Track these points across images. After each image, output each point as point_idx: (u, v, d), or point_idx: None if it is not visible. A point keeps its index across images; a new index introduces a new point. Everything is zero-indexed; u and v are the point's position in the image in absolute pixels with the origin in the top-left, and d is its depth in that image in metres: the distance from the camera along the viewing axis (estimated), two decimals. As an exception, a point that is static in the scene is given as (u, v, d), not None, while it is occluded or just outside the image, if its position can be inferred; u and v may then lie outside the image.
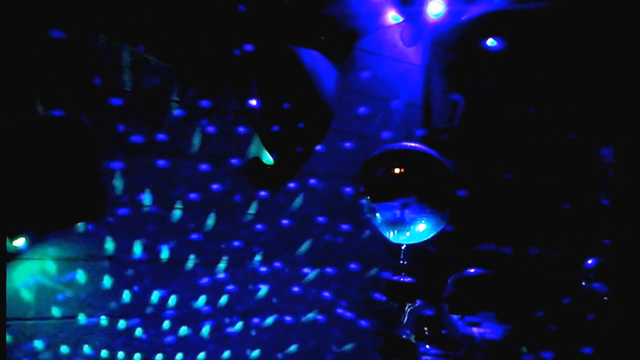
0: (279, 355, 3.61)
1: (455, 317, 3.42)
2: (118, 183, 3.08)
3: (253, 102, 3.35)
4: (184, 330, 3.29)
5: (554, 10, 3.70)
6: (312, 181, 3.71)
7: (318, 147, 3.60)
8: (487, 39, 4.03)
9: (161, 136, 3.20)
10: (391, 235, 3.11)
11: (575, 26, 3.74)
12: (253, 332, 3.51)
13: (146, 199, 3.17)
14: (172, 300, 3.25)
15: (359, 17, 3.71)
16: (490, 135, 4.08)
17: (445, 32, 4.07)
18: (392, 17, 3.87)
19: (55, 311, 2.95)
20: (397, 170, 3.02)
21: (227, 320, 3.42)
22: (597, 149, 4.07)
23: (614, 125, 3.79)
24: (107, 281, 3.08)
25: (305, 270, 3.70)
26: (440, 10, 3.89)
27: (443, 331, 3.59)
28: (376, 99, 4.01)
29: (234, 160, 3.42)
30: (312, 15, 3.47)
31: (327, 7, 3.51)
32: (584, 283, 3.75)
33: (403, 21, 3.95)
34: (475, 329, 3.37)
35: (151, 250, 3.19)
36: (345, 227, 3.80)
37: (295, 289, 3.67)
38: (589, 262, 3.75)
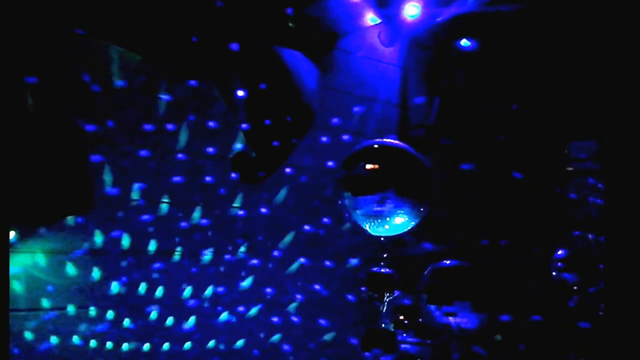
0: (264, 344, 3.70)
1: (432, 307, 3.50)
2: (106, 177, 3.14)
3: (238, 100, 3.43)
4: (170, 320, 3.36)
5: (525, 11, 3.82)
6: (295, 175, 3.81)
7: (300, 144, 3.69)
8: (461, 39, 4.16)
9: (148, 130, 3.27)
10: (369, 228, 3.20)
11: (546, 26, 3.85)
12: (238, 322, 3.59)
13: (134, 192, 3.24)
14: (160, 291, 3.32)
15: (338, 18, 3.81)
16: (464, 132, 4.19)
17: (422, 33, 4.18)
18: (370, 18, 3.99)
19: (45, 302, 3.01)
20: (375, 166, 3.11)
21: (212, 310, 3.50)
22: (569, 145, 4.20)
23: (591, 121, 3.84)
24: (95, 273, 3.14)
25: (289, 261, 3.79)
26: (416, 12, 4.02)
27: (420, 320, 3.67)
28: (355, 97, 4.12)
29: (219, 155, 3.50)
30: (294, 15, 3.56)
31: (309, 8, 3.60)
32: (554, 273, 3.85)
33: (381, 22, 4.07)
34: (451, 319, 3.44)
35: (139, 242, 3.27)
36: (326, 219, 3.90)
37: (279, 279, 3.76)
38: (559, 252, 3.85)
